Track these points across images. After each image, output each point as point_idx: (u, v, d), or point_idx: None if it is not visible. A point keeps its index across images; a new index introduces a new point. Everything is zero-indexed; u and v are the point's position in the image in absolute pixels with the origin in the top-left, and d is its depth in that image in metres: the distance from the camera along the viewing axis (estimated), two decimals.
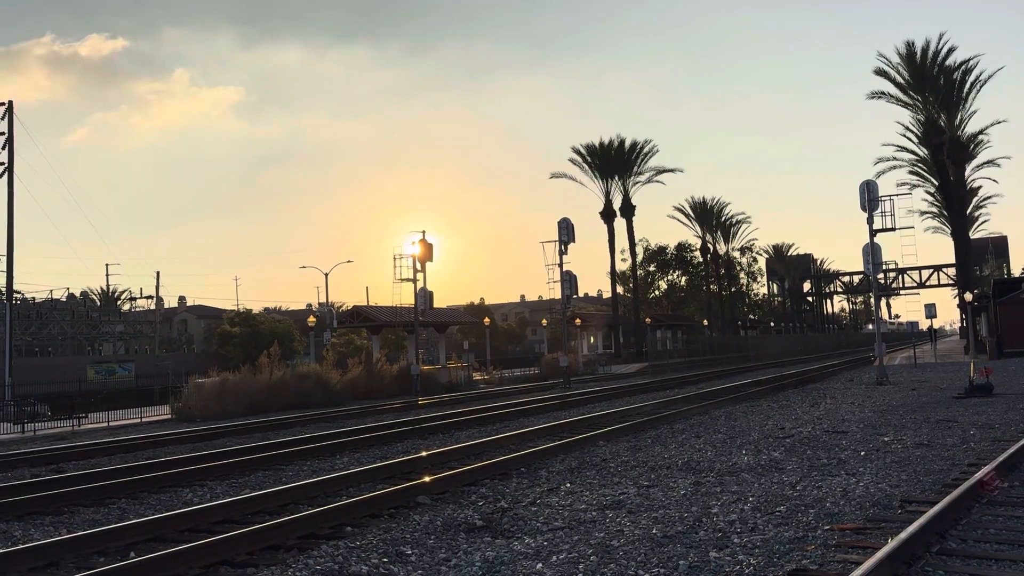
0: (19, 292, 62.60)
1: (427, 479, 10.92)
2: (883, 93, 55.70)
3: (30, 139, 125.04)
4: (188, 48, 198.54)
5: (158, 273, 77.65)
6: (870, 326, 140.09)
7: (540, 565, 6.90)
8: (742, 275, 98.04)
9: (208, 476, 13.09)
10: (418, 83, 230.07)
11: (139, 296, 78.59)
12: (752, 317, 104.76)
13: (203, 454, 15.61)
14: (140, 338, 73.00)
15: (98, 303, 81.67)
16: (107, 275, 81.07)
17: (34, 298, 68.49)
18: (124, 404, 32.14)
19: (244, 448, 16.41)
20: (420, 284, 37.29)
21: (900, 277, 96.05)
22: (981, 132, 55.40)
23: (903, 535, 6.47)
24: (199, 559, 7.27)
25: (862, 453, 12.19)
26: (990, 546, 6.82)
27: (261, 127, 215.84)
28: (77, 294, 78.24)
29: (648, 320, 67.44)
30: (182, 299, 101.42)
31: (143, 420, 27.29)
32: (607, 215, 68.33)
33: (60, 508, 10.71)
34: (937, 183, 57.80)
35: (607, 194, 68.73)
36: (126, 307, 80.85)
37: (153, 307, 74.16)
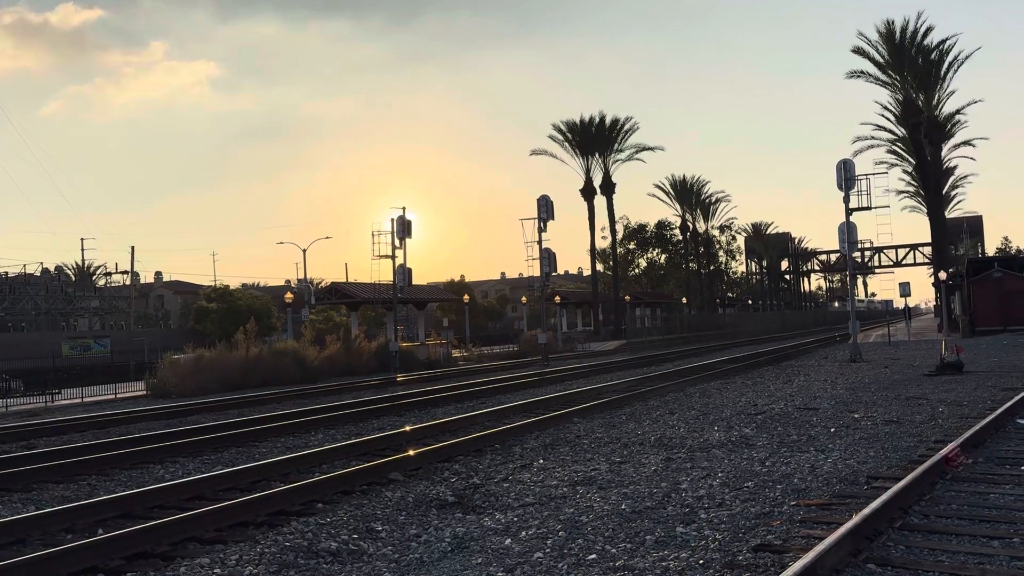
0: None
1: (400, 455, 10.93)
2: (862, 72, 55.95)
3: (1, 112, 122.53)
4: (164, 20, 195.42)
5: (133, 248, 76.96)
6: (836, 304, 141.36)
7: (509, 540, 6.94)
8: (721, 253, 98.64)
9: (180, 453, 13.03)
10: (399, 57, 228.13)
11: (114, 271, 77.79)
12: (731, 295, 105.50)
13: (176, 430, 15.53)
14: (116, 314, 72.30)
15: (73, 278, 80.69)
16: (82, 250, 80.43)
17: (7, 272, 67.60)
18: (99, 380, 31.87)
19: (218, 425, 16.34)
20: (399, 261, 37.16)
21: (876, 256, 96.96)
22: (958, 112, 55.85)
23: (866, 511, 6.56)
24: (167, 535, 7.25)
25: (832, 430, 12.33)
26: (951, 521, 6.93)
27: (239, 101, 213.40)
28: (51, 269, 77.25)
29: (627, 298, 67.72)
30: (158, 275, 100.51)
31: (118, 396, 27.08)
32: (587, 192, 68.30)
33: (29, 485, 10.63)
34: (914, 162, 58.26)
35: (587, 171, 68.68)
36: (101, 282, 79.96)
37: (129, 282, 73.42)
